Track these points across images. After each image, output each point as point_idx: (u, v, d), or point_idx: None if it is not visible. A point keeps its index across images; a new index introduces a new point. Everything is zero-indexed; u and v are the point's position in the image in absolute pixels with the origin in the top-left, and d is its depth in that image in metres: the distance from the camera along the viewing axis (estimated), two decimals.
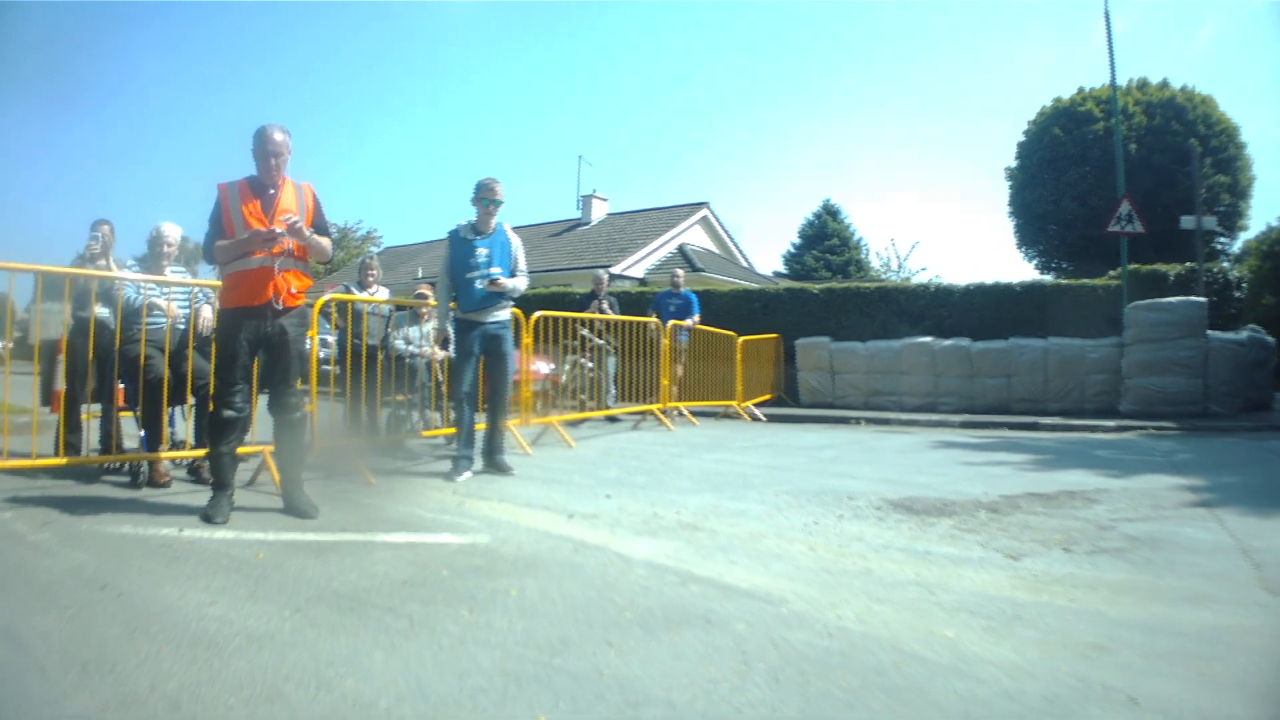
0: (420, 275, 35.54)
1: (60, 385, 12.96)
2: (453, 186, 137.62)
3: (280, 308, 6.20)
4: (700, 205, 38.47)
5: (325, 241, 6.43)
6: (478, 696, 2.91)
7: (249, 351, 6.22)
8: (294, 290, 6.29)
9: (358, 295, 10.09)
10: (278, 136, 6.19)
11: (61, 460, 7.34)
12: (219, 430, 6.23)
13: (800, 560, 5.00)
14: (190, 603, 4.03)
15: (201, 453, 7.53)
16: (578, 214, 41.43)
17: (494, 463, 8.55)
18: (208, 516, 5.97)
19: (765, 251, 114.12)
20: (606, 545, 5.30)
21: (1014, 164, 39.59)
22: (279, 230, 6.02)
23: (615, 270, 30.52)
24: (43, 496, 6.79)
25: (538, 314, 11.13)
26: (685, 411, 14.86)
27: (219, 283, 7.68)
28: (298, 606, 3.95)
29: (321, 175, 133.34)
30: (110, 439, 7.75)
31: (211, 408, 6.35)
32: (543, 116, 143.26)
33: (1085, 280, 18.22)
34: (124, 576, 4.50)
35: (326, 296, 8.69)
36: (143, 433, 7.52)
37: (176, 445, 7.91)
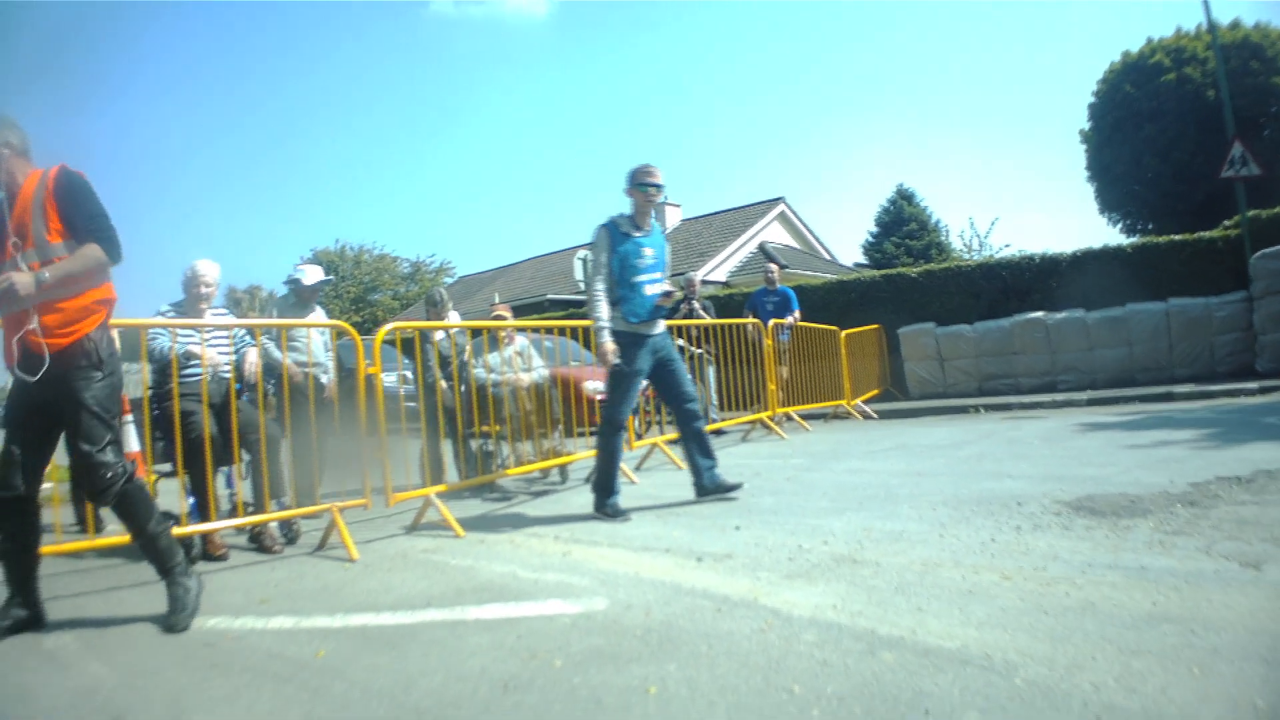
0: (496, 300, 35.15)
1: (134, 448, 12.32)
2: (518, 209, 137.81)
3: (43, 359, 4.58)
4: (776, 201, 37.91)
5: (77, 260, 4.62)
6: None
7: (32, 418, 4.77)
8: (50, 327, 4.61)
9: (427, 323, 9.23)
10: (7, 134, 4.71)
11: (100, 542, 6.09)
12: None
13: (1000, 598, 3.97)
14: None
15: (261, 518, 6.65)
16: None
17: (716, 484, 7.42)
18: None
19: (843, 242, 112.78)
20: (754, 599, 4.28)
21: (1087, 126, 38.01)
22: None
23: (691, 274, 29.86)
24: (84, 584, 5.92)
25: None
26: (796, 416, 13.89)
27: (268, 321, 6.84)
28: None
29: (389, 208, 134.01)
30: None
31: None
32: (603, 130, 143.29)
33: (1202, 234, 16.98)
34: (145, 699, 3.61)
35: (390, 326, 7.91)
36: (191, 500, 6.56)
37: (232, 510, 6.98)
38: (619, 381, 7.16)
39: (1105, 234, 53.74)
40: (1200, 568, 4.18)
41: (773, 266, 16.09)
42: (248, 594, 5.37)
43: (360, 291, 58.81)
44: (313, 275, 8.40)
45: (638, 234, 7.17)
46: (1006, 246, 47.23)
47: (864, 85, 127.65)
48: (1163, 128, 33.22)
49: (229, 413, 6.72)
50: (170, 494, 6.89)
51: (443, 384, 8.69)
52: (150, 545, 4.91)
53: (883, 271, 22.39)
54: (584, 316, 7.40)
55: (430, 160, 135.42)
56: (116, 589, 5.72)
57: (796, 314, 14.68)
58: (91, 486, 4.75)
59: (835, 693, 2.97)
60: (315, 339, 8.00)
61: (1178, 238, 17.35)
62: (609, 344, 6.99)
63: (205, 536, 6.47)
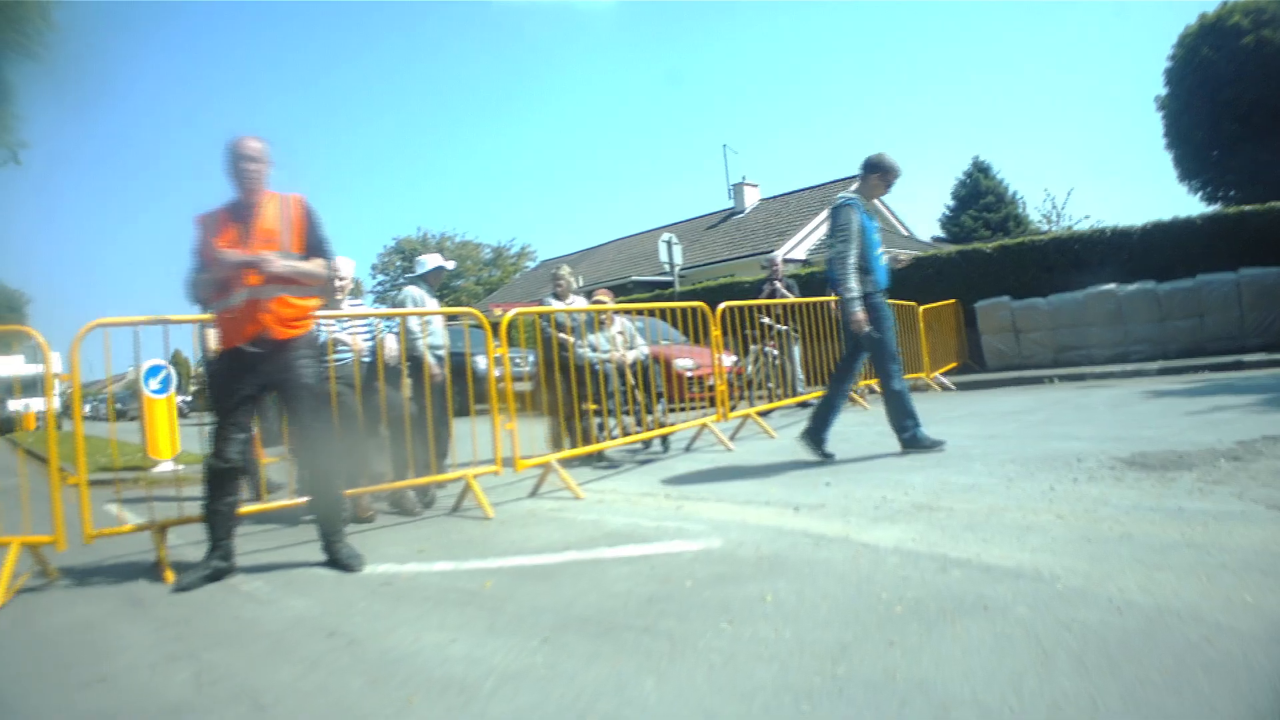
0: (581, 284, 35.82)
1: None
2: (596, 193, 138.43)
3: (274, 342, 5.51)
4: (853, 178, 37.63)
5: (312, 265, 5.63)
6: (772, 717, 2.72)
7: (248, 395, 5.61)
8: (288, 319, 5.57)
9: (556, 307, 9.98)
10: (253, 145, 5.54)
11: (274, 505, 7.12)
12: (211, 483, 5.58)
13: (1053, 531, 4.73)
14: (428, 643, 3.89)
15: (404, 483, 7.47)
16: (730, 203, 41.38)
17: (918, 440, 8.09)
18: (180, 586, 5.42)
19: (920, 216, 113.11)
20: (847, 536, 5.06)
21: (1164, 92, 37.13)
22: (243, 258, 5.35)
23: (773, 254, 30.30)
24: (248, 544, 6.59)
25: (724, 304, 10.99)
26: (878, 388, 14.52)
27: (408, 311, 7.64)
28: (544, 636, 3.79)
29: (470, 195, 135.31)
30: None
31: (206, 458, 5.73)
32: (680, 110, 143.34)
33: (1274, 203, 17.25)
34: (352, 622, 4.39)
35: (512, 313, 8.56)
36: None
37: (375, 479, 7.67)
38: (880, 336, 7.99)
39: (1184, 202, 53.10)
40: (1230, 509, 4.85)
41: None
42: (405, 546, 6.16)
43: (443, 278, 59.43)
44: (431, 262, 9.28)
45: (867, 216, 8.02)
46: (1086, 218, 46.48)
47: (938, 58, 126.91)
48: (1242, 91, 32.61)
49: (370, 392, 7.59)
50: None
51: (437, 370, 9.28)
52: (336, 505, 5.88)
53: (958, 247, 22.74)
54: (670, 298, 8.21)
55: (509, 147, 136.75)
56: (282, 546, 6.59)
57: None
58: (309, 459, 5.81)
59: (914, 596, 3.78)
60: (439, 324, 8.75)
61: (1248, 208, 17.54)
62: (860, 313, 7.77)
63: (355, 501, 7.19)
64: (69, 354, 5.84)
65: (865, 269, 7.86)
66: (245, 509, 6.66)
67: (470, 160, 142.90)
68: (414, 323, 8.21)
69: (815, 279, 20.02)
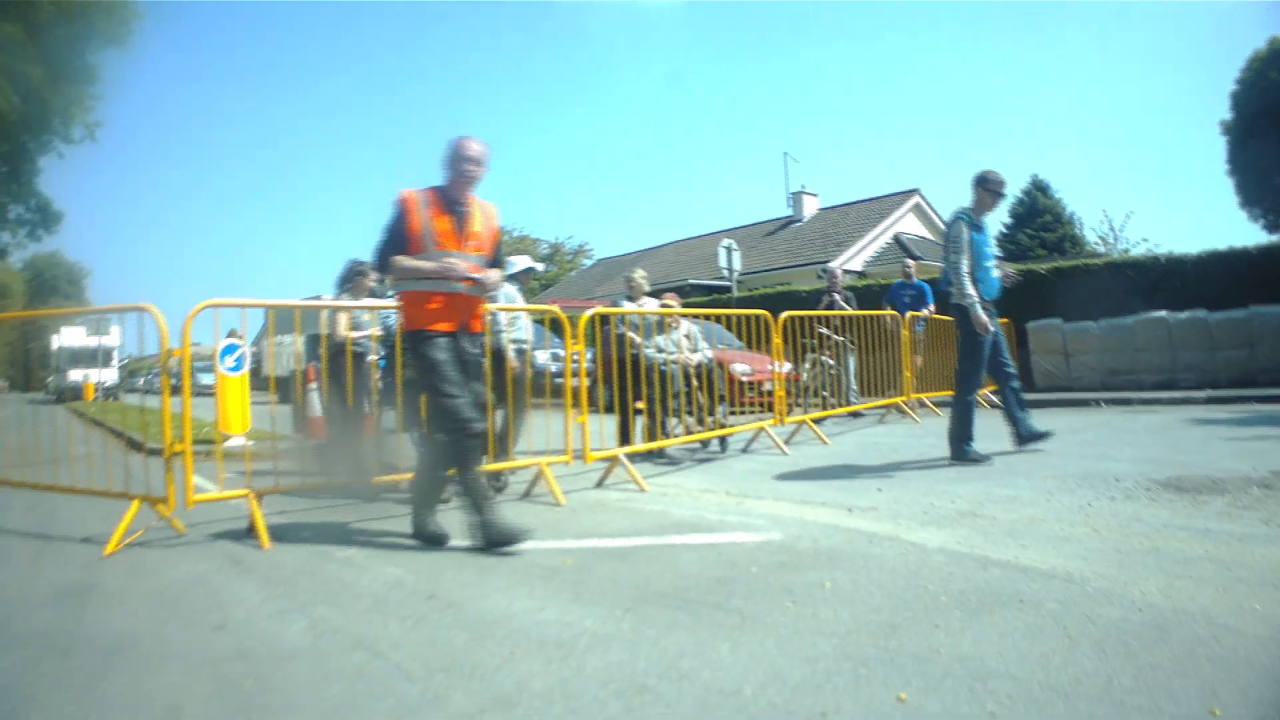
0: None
1: (317, 413, 13.78)
2: (655, 193, 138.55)
3: (470, 334, 6.07)
4: (911, 192, 38.19)
5: (496, 275, 6.19)
6: (833, 678, 3.14)
7: (460, 373, 5.92)
8: (478, 314, 6.17)
9: (629, 308, 10.39)
10: (476, 148, 5.84)
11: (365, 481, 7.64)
12: (426, 457, 6.24)
13: (1087, 542, 5.14)
14: (520, 609, 4.28)
15: (492, 467, 7.80)
16: (789, 211, 41.48)
17: (1031, 432, 9.06)
18: (426, 533, 6.05)
19: None
20: (897, 536, 5.51)
21: (1229, 117, 35.94)
22: (468, 273, 5.80)
23: (832, 265, 30.58)
24: (333, 517, 7.12)
25: (786, 314, 11.35)
26: (929, 402, 14.89)
27: (497, 307, 8.10)
28: (627, 607, 4.21)
29: (522, 189, 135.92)
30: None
31: (435, 431, 6.08)
32: (742, 117, 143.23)
33: None
34: (446, 587, 4.79)
35: (589, 312, 8.95)
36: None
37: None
38: (978, 348, 8.71)
39: (1244, 230, 52.36)
40: (1254, 531, 5.23)
41: (910, 261, 17.01)
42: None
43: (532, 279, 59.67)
44: (521, 263, 9.76)
45: (978, 231, 8.66)
46: (1143, 242, 45.73)
47: (1000, 74, 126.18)
48: None
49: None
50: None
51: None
52: (475, 480, 6.07)
53: (1015, 266, 22.92)
54: (727, 304, 8.67)
55: (569, 143, 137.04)
56: (366, 520, 7.03)
57: (931, 307, 15.55)
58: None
59: (958, 588, 4.24)
60: (525, 321, 9.15)
61: None
62: (982, 316, 8.52)
63: None
64: (181, 331, 6.28)
65: (974, 279, 8.56)
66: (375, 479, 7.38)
67: (529, 155, 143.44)
68: (502, 318, 8.66)
69: (871, 291, 20.33)
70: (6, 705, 3.35)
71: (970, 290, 8.54)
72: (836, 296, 15.48)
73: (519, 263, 9.71)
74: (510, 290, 9.17)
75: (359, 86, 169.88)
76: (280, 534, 6.40)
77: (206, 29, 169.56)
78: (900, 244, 34.20)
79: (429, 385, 5.96)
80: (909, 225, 37.25)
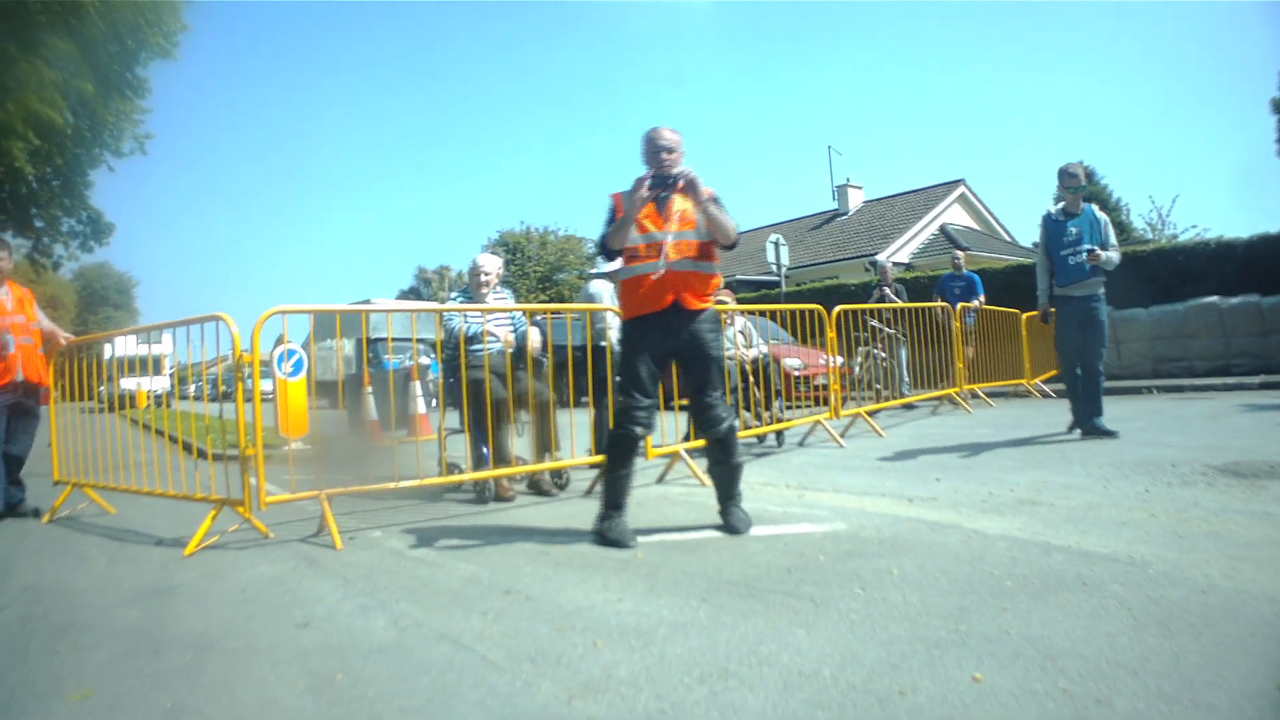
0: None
1: (373, 416, 14.01)
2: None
3: (686, 311, 5.87)
4: (957, 183, 38.08)
5: (730, 221, 5.93)
6: (908, 660, 3.25)
7: (655, 363, 5.95)
8: (699, 292, 5.92)
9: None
10: (669, 136, 5.89)
11: (433, 481, 7.51)
12: (616, 450, 6.02)
13: (1146, 527, 5.23)
14: (598, 600, 4.39)
15: (547, 465, 7.98)
16: (834, 205, 41.44)
17: (1096, 427, 9.44)
18: (607, 539, 5.78)
19: (1021, 221, 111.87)
20: (959, 524, 5.61)
21: (1278, 94, 34.32)
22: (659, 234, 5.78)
23: (879, 257, 30.57)
24: (400, 518, 7.20)
25: (839, 308, 11.40)
26: (981, 393, 14.96)
27: (546, 306, 8.24)
28: (701, 597, 4.32)
29: (568, 188, 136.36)
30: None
31: (612, 425, 6.25)
32: (784, 112, 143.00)
33: None
34: (522, 582, 4.84)
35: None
36: (486, 451, 7.84)
37: (517, 461, 8.13)
38: (1058, 333, 9.91)
39: None
40: None
41: (959, 253, 17.03)
42: (551, 522, 6.76)
43: (546, 271, 60.20)
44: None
45: (1067, 220, 9.49)
46: (1192, 228, 44.97)
47: (1041, 60, 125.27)
48: None
49: (512, 381, 8.10)
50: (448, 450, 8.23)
51: None
52: (733, 473, 6.07)
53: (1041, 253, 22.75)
54: (775, 299, 8.79)
55: (613, 141, 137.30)
56: (432, 519, 7.15)
57: (981, 298, 15.65)
58: (709, 424, 5.98)
59: (1021, 574, 4.35)
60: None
61: None
62: (1042, 308, 9.98)
63: (496, 481, 7.83)
64: (250, 337, 6.44)
65: (1050, 272, 9.66)
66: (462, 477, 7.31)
67: (575, 154, 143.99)
68: (607, 315, 8.88)
69: (919, 284, 20.34)
70: (105, 699, 3.48)
71: (1040, 284, 9.81)
72: (888, 290, 15.59)
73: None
74: (607, 288, 9.31)
75: (398, 91, 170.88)
76: (351, 534, 6.55)
77: (249, 39, 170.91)
78: (947, 235, 34.11)
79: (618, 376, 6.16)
80: (955, 216, 37.16)
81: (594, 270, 10.22)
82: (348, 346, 17.02)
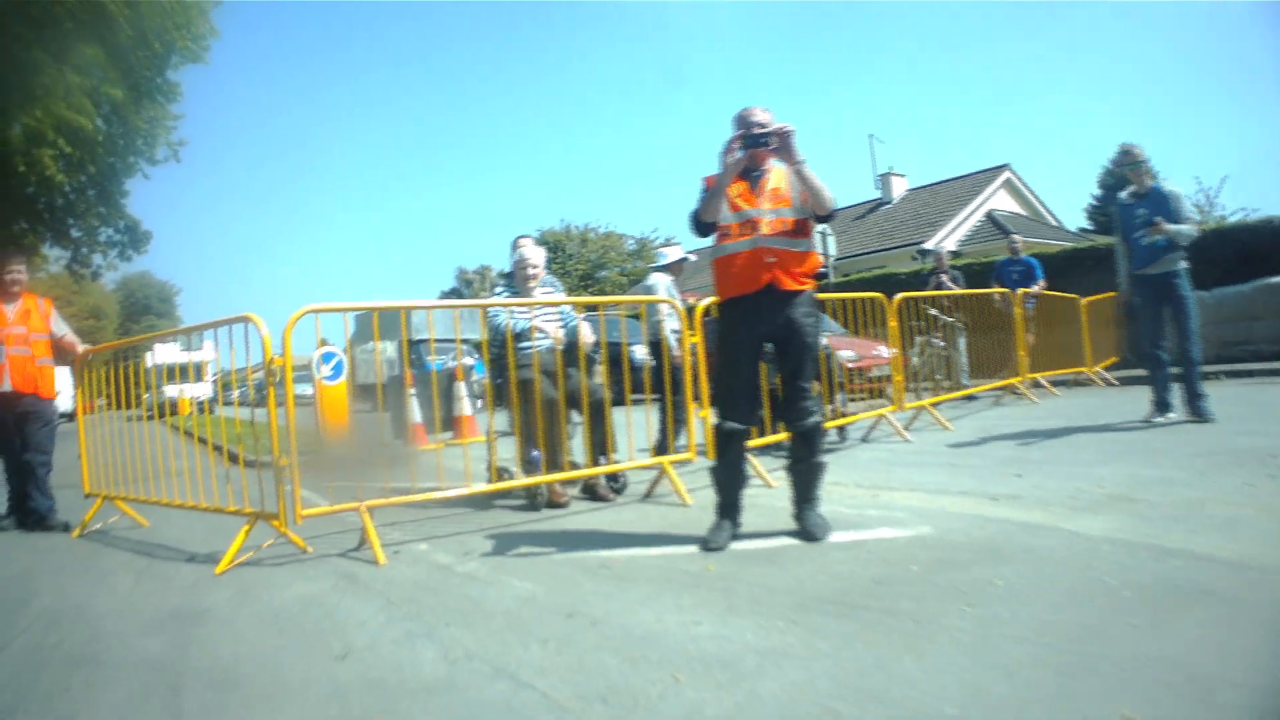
0: None
1: (417, 419, 13.71)
2: None
3: (781, 292, 5.48)
4: (1001, 168, 37.63)
5: (825, 186, 5.46)
6: (1037, 692, 2.89)
7: (751, 350, 5.65)
8: (795, 272, 5.51)
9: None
10: (761, 115, 5.51)
11: (485, 488, 7.21)
12: (718, 445, 5.75)
13: (1260, 525, 4.84)
14: (671, 624, 4.00)
15: (605, 469, 7.59)
16: (878, 193, 41.06)
17: (1197, 409, 9.24)
18: (704, 542, 5.48)
19: (1064, 206, 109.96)
20: (1053, 525, 5.22)
21: None
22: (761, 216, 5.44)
23: (927, 245, 30.15)
24: (446, 529, 6.85)
25: (900, 296, 11.07)
26: (1044, 382, 14.49)
27: (598, 299, 7.90)
28: (788, 617, 3.94)
29: (607, 184, 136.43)
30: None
31: (714, 419, 5.92)
32: (822, 100, 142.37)
33: None
34: (584, 602, 4.48)
35: (705, 302, 8.61)
36: (536, 454, 7.44)
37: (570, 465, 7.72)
38: (1134, 315, 9.66)
39: None
40: None
41: (1016, 237, 16.56)
42: (610, 530, 6.41)
43: (588, 269, 59.95)
44: (674, 254, 9.62)
45: (1136, 202, 9.43)
46: (1241, 210, 44.19)
47: (1079, 41, 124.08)
48: None
49: (562, 379, 7.66)
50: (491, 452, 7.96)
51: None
52: (815, 472, 5.70)
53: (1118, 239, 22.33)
54: (824, 290, 8.46)
55: (650, 136, 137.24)
56: (481, 530, 6.70)
57: (1041, 283, 15.13)
58: (796, 417, 5.63)
59: (1138, 581, 3.97)
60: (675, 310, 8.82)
61: None
62: (1123, 292, 9.86)
63: (549, 487, 7.40)
64: (281, 339, 6.11)
65: (1127, 255, 9.56)
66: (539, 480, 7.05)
67: (613, 150, 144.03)
68: (664, 308, 8.55)
69: (969, 271, 19.92)
70: None
71: (1119, 267, 9.73)
72: (944, 277, 15.25)
73: (671, 254, 9.57)
74: (665, 281, 8.99)
75: (436, 89, 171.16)
76: (394, 548, 6.19)
77: (280, 39, 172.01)
78: (994, 222, 33.71)
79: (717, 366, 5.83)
80: (1001, 202, 36.71)
81: (653, 265, 9.88)
82: (389, 348, 16.83)
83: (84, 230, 26.35)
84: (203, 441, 12.68)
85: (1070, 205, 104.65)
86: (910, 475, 7.52)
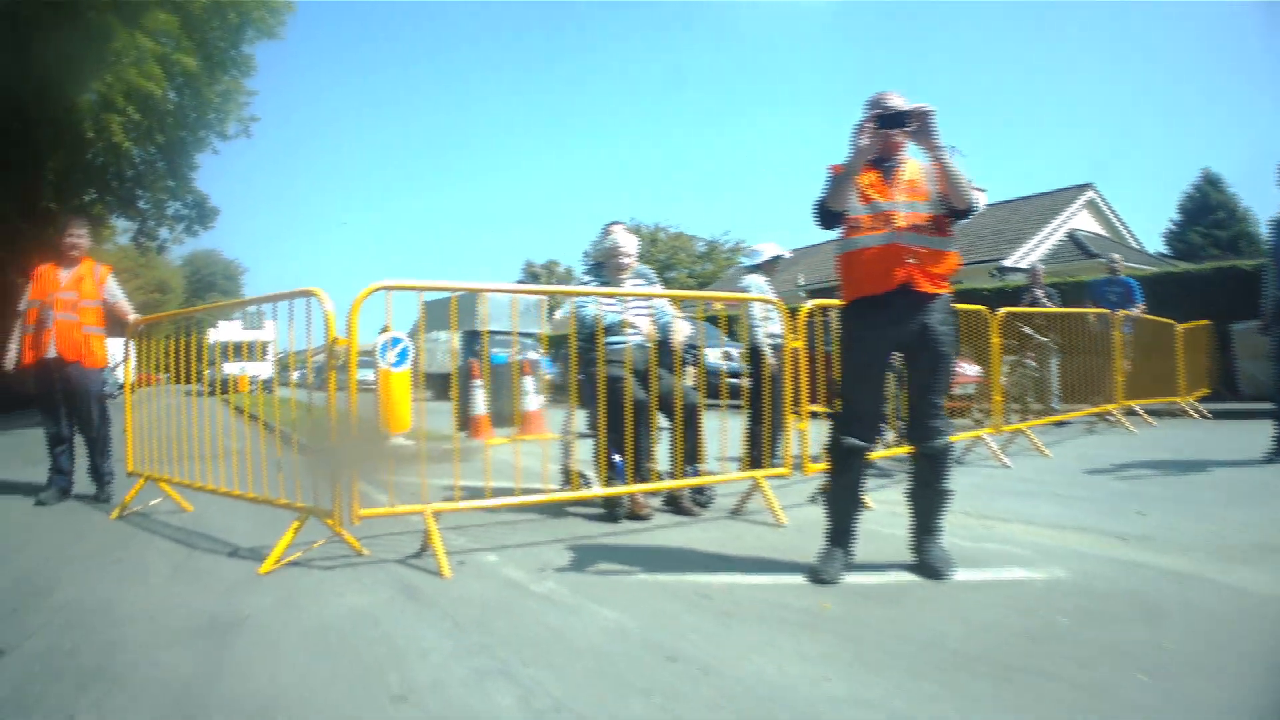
0: (802, 282, 35.47)
1: (482, 410, 13.30)
2: (809, 191, 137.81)
3: (917, 294, 4.89)
4: (1085, 186, 36.81)
5: (967, 181, 4.89)
6: None
7: (879, 357, 5.09)
8: (933, 272, 4.93)
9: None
10: (897, 100, 4.92)
11: (595, 492, 6.77)
12: (835, 463, 5.12)
13: None
14: (797, 677, 3.45)
15: (696, 480, 7.06)
16: None
17: None
18: (814, 572, 4.91)
19: (1143, 231, 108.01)
20: (1205, 575, 4.69)
21: None
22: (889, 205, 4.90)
23: (1007, 263, 29.54)
24: (517, 537, 6.30)
25: (1004, 310, 10.58)
26: (1140, 410, 13.83)
27: (698, 294, 7.40)
28: (935, 678, 3.38)
29: (678, 186, 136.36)
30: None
31: (831, 434, 5.18)
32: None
33: None
34: (685, 641, 3.89)
35: (810, 304, 7.88)
36: (620, 460, 6.80)
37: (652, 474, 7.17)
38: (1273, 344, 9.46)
39: None
40: None
41: (1115, 256, 16.08)
42: (702, 551, 5.75)
43: (656, 269, 59.53)
44: (768, 251, 9.10)
45: None
46: None
47: (1165, 61, 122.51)
48: None
49: (654, 380, 7.06)
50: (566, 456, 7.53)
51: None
52: (939, 500, 5.11)
53: (1213, 264, 21.63)
54: None
55: (723, 140, 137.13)
56: (555, 541, 6.14)
57: (1141, 306, 14.53)
58: (924, 436, 5.06)
59: None
60: (779, 314, 8.19)
61: None
62: (1266, 314, 9.41)
63: (631, 496, 6.81)
64: (348, 317, 5.68)
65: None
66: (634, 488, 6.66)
67: (684, 152, 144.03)
68: (757, 312, 8.05)
69: (1057, 289, 19.30)
70: None
71: (1266, 292, 9.33)
72: (1039, 293, 14.65)
73: (765, 251, 9.02)
74: (759, 281, 8.50)
75: (510, 82, 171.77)
76: (460, 557, 5.62)
77: (358, 20, 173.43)
78: (1076, 242, 32.97)
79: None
80: (1083, 222, 35.91)
81: (747, 262, 9.33)
82: (452, 339, 16.50)
83: (152, 203, 26.53)
84: (254, 418, 12.35)
85: (1148, 230, 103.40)
86: (1018, 505, 6.96)
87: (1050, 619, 4.08)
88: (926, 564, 4.98)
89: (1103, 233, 36.50)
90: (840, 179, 4.93)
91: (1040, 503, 7.04)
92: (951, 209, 5.00)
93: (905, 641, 3.84)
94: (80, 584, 5.28)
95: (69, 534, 6.90)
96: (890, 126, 4.80)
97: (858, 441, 5.06)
